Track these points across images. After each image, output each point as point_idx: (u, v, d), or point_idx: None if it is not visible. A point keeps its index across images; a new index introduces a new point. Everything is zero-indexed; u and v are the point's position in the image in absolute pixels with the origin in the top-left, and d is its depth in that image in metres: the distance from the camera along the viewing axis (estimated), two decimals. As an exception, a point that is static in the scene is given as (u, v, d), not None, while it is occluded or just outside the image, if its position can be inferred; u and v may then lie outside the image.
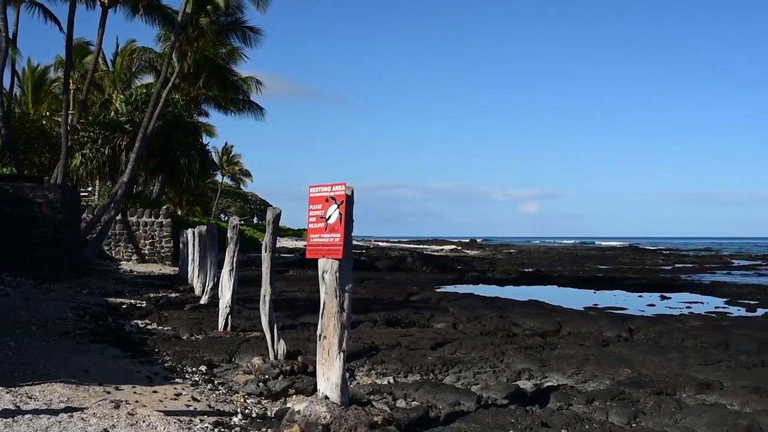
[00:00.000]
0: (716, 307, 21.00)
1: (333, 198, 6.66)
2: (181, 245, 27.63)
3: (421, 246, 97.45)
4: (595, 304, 20.77)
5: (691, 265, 51.62)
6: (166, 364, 9.71)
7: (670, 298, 24.10)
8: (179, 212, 55.69)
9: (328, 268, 6.62)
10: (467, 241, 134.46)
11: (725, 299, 23.45)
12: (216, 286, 15.25)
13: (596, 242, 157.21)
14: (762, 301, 22.56)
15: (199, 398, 7.71)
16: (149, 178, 42.56)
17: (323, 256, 6.67)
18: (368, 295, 20.24)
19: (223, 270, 13.58)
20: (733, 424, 6.94)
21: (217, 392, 8.22)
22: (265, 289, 9.96)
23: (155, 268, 30.49)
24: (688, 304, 21.83)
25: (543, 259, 59.60)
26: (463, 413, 7.28)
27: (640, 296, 24.75)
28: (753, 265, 54.77)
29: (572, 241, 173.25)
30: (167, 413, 6.85)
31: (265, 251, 10.13)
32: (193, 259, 21.40)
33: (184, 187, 43.73)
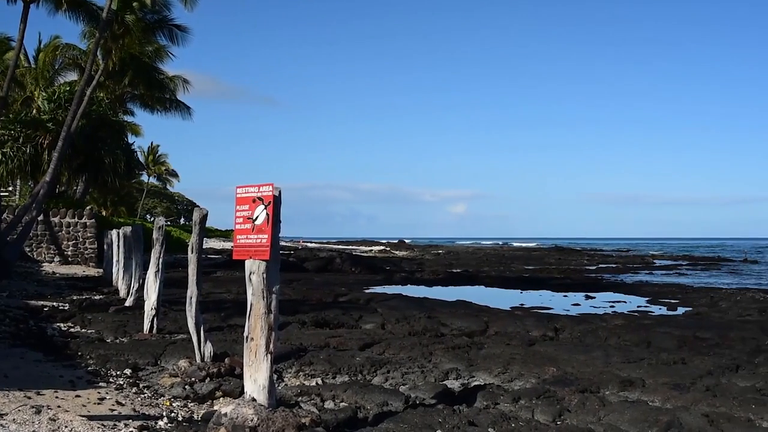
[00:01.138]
0: (638, 306, 21.46)
1: (260, 199, 6.61)
2: (105, 246, 27.10)
3: (351, 247, 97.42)
4: (522, 304, 21.03)
5: (614, 266, 52.69)
6: (89, 368, 9.51)
7: (594, 297, 24.56)
8: (104, 213, 54.65)
9: (255, 270, 6.57)
10: (396, 242, 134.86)
11: (647, 298, 23.99)
12: (141, 288, 15.00)
13: (510, 243, 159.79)
14: (682, 300, 23.13)
15: (123, 402, 7.57)
16: (72, 177, 41.57)
17: (250, 257, 6.62)
18: (296, 296, 20.17)
19: (148, 271, 13.37)
20: (654, 420, 7.10)
21: (143, 396, 8.08)
22: (192, 291, 9.85)
23: (78, 270, 29.86)
24: (611, 304, 22.27)
25: (471, 259, 60.14)
26: (391, 413, 7.29)
27: (566, 296, 25.15)
28: (674, 264, 56.18)
29: (490, 242, 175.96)
30: (90, 418, 6.71)
31: (192, 252, 10.01)
32: (117, 261, 21.02)
33: (108, 187, 42.80)
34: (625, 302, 22.86)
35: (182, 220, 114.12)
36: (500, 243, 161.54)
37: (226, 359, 9.27)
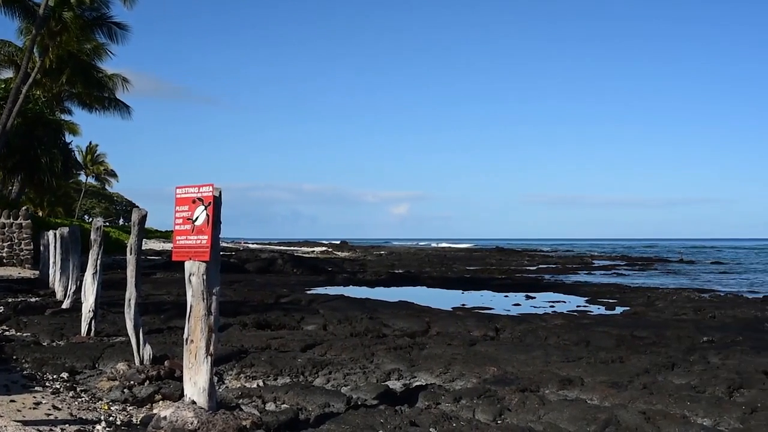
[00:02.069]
0: (578, 306, 21.76)
1: (200, 199, 6.55)
2: (41, 248, 26.60)
3: (292, 248, 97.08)
4: (463, 304, 21.17)
5: (554, 266, 53.34)
6: (24, 372, 9.31)
7: (534, 297, 24.82)
8: (40, 213, 53.61)
9: (194, 271, 6.51)
10: (338, 242, 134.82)
11: (586, 298, 24.32)
12: (79, 290, 14.72)
13: (434, 244, 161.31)
14: (620, 299, 23.51)
15: (60, 406, 7.43)
16: (7, 177, 40.77)
17: (190, 259, 6.56)
18: (237, 297, 20.03)
19: (86, 273, 13.14)
20: (593, 417, 7.21)
21: (80, 400, 7.94)
22: (130, 293, 9.71)
23: (14, 272, 29.20)
24: (551, 304, 22.54)
25: (413, 260, 60.34)
26: (333, 415, 7.28)
27: (506, 296, 25.38)
28: (612, 265, 57.09)
29: (421, 242, 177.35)
30: (26, 423, 6.58)
31: (130, 254, 9.88)
32: (54, 262, 20.64)
33: (45, 187, 42.11)
34: (564, 302, 23.15)
35: (121, 221, 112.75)
36: (424, 243, 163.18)
37: (165, 362, 9.16)
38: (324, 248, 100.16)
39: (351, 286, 29.11)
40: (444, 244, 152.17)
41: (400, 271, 42.02)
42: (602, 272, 46.05)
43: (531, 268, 50.59)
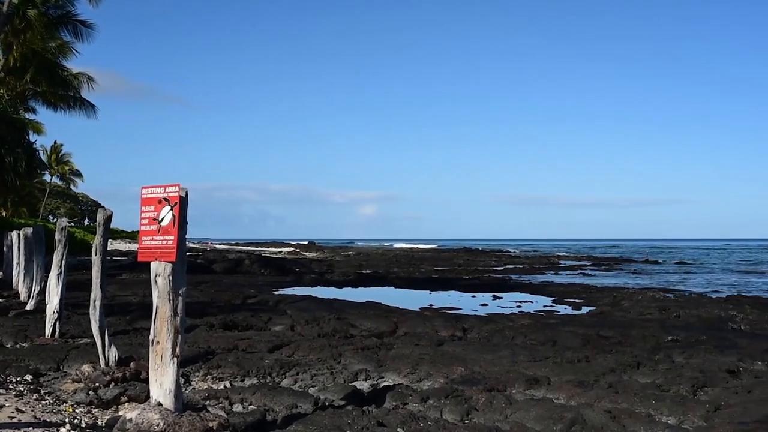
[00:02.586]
0: (544, 306, 21.90)
1: (166, 199, 6.51)
2: (5, 248, 26.25)
3: (260, 248, 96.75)
4: (431, 305, 21.23)
5: (521, 266, 53.64)
6: (-13, 374, 9.20)
7: (501, 297, 24.94)
8: (3, 214, 53.05)
9: (161, 272, 6.47)
10: (306, 243, 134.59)
11: (553, 298, 24.49)
12: (43, 291, 14.56)
13: (402, 244, 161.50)
14: (586, 299, 23.70)
15: (23, 409, 7.34)
16: (-30, 177, 40.17)
17: (156, 259, 6.51)
18: (204, 298, 19.93)
19: (50, 274, 12.99)
20: (559, 417, 7.27)
21: (44, 402, 7.85)
22: (96, 294, 9.63)
23: (-24, 273, 28.81)
24: (518, 304, 22.66)
25: (380, 260, 60.40)
26: (300, 416, 7.27)
27: (474, 296, 25.48)
28: (579, 265, 57.53)
29: (388, 243, 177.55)
30: (-13, 426, 6.49)
31: (96, 254, 9.79)
32: (18, 263, 20.38)
33: (8, 187, 41.39)
34: (531, 302, 23.29)
35: (86, 221, 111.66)
36: (389, 243, 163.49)
37: (131, 363, 9.08)
38: (291, 249, 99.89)
39: (318, 287, 29.05)
40: (406, 245, 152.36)
41: (368, 271, 42.05)
42: (569, 272, 46.39)
43: (498, 268, 50.83)
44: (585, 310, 20.78)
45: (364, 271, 41.47)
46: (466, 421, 7.44)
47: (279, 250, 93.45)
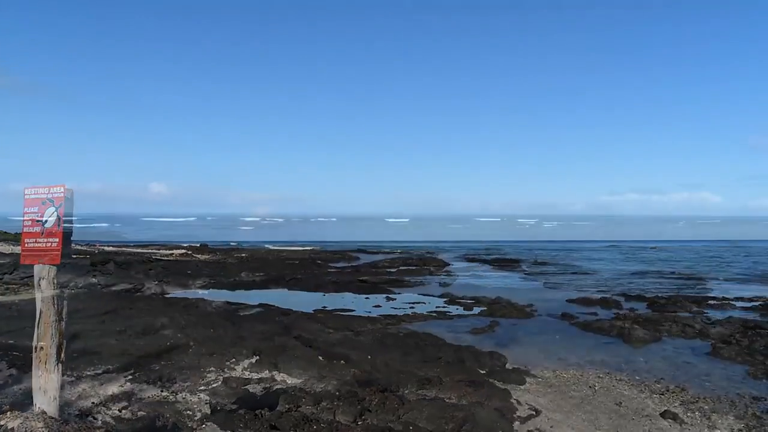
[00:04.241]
0: (437, 307, 22.15)
1: (51, 200, 6.31)
2: None
3: (150, 250, 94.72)
4: (324, 307, 21.20)
5: (414, 267, 54.09)
6: None
7: (395, 299, 25.10)
8: None
9: (44, 275, 6.27)
10: (198, 245, 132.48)
11: (445, 299, 24.79)
12: None
13: (305, 246, 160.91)
14: (477, 300, 24.08)
15: None
16: None
17: (39, 262, 6.30)
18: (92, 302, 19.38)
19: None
20: (451, 416, 7.37)
21: None
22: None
23: None
24: (411, 305, 22.85)
25: (275, 263, 59.95)
26: (192, 421, 7.15)
27: (367, 298, 25.54)
28: (469, 266, 58.41)
29: (278, 245, 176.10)
30: None
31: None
32: None
33: None
34: (424, 303, 23.51)
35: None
36: (282, 245, 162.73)
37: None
38: (183, 251, 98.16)
39: (211, 289, 28.65)
40: (292, 246, 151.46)
41: (262, 273, 41.66)
42: (462, 274, 47.03)
43: (392, 270, 51.15)
44: (477, 310, 21.11)
45: (257, 274, 41.07)
46: (359, 422, 7.47)
47: (170, 252, 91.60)
